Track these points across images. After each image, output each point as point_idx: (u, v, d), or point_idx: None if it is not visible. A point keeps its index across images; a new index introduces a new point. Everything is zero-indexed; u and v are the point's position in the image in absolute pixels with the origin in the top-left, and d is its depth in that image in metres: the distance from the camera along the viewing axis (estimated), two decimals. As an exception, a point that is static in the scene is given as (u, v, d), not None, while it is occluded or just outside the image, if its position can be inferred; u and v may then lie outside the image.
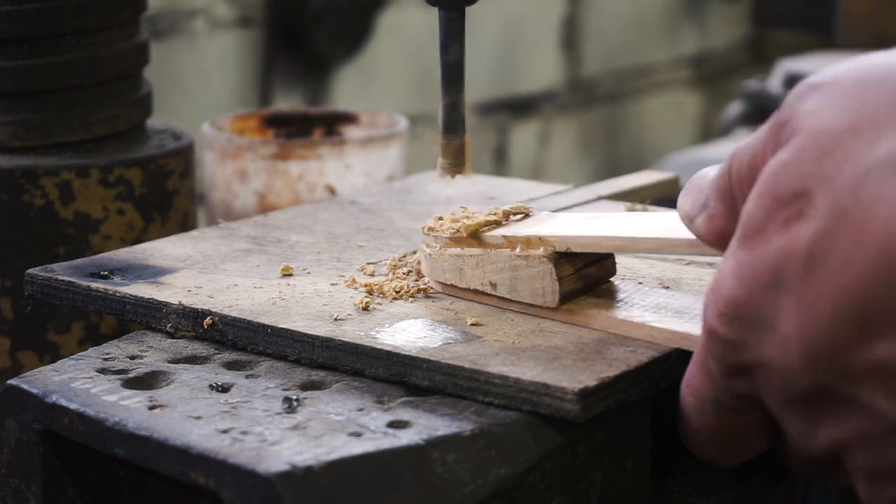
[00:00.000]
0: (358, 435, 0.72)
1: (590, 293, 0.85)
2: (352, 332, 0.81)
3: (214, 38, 2.28)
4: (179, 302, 0.86)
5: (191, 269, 0.92)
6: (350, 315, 0.84)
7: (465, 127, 0.94)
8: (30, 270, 0.92)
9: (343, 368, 0.80)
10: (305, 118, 1.41)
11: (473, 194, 1.01)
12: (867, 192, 0.65)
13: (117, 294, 0.88)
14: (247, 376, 0.80)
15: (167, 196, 1.13)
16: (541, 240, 0.83)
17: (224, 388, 0.78)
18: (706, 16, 3.35)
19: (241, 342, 0.84)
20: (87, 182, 1.09)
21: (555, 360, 0.76)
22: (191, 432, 0.72)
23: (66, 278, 0.91)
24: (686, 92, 3.34)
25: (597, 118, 3.12)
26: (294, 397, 0.76)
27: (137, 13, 1.15)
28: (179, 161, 1.14)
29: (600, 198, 1.08)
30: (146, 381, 0.79)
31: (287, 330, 0.82)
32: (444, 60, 0.92)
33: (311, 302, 0.86)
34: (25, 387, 0.79)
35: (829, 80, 0.69)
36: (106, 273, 0.92)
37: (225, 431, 0.72)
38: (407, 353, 0.78)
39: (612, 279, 0.86)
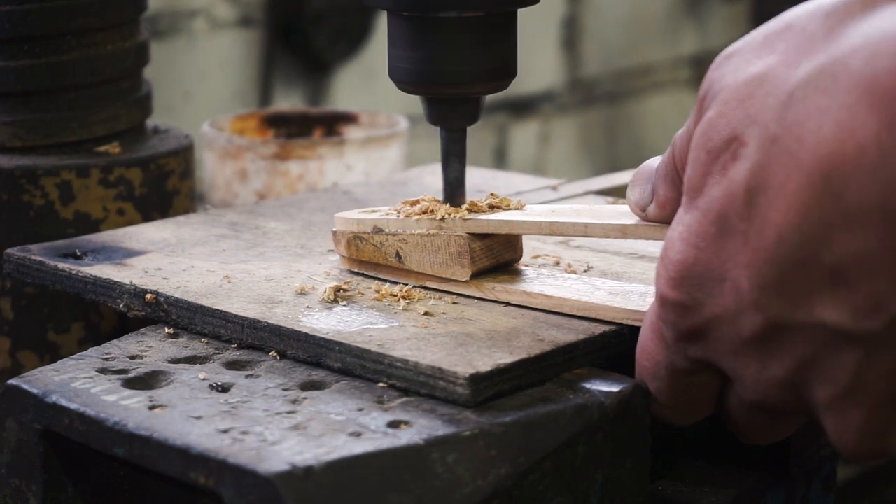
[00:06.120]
0: (358, 435, 0.72)
1: (506, 273, 0.88)
2: (280, 315, 0.84)
3: (214, 38, 2.28)
4: (131, 282, 0.89)
5: (159, 252, 0.96)
6: (286, 299, 0.87)
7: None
8: (8, 250, 0.96)
9: (268, 349, 0.83)
10: (305, 118, 1.41)
11: (469, 187, 1.01)
12: (794, 114, 0.67)
13: (79, 274, 0.92)
14: (247, 376, 0.80)
15: (167, 196, 1.12)
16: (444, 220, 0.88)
17: (224, 388, 0.78)
18: (706, 16, 3.35)
19: (182, 322, 0.87)
20: (87, 182, 1.09)
21: (460, 346, 0.79)
22: (191, 432, 0.72)
23: (38, 258, 0.94)
24: (686, 92, 3.34)
25: (597, 118, 3.12)
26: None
27: (137, 13, 1.15)
28: (179, 161, 1.14)
29: (588, 192, 1.09)
30: (146, 381, 0.79)
31: (220, 311, 0.85)
32: (445, 178, 0.93)
33: (257, 286, 0.89)
34: (25, 387, 0.79)
35: (739, 45, 0.72)
36: (80, 254, 0.95)
37: (225, 431, 0.72)
38: (322, 336, 0.80)
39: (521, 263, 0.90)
